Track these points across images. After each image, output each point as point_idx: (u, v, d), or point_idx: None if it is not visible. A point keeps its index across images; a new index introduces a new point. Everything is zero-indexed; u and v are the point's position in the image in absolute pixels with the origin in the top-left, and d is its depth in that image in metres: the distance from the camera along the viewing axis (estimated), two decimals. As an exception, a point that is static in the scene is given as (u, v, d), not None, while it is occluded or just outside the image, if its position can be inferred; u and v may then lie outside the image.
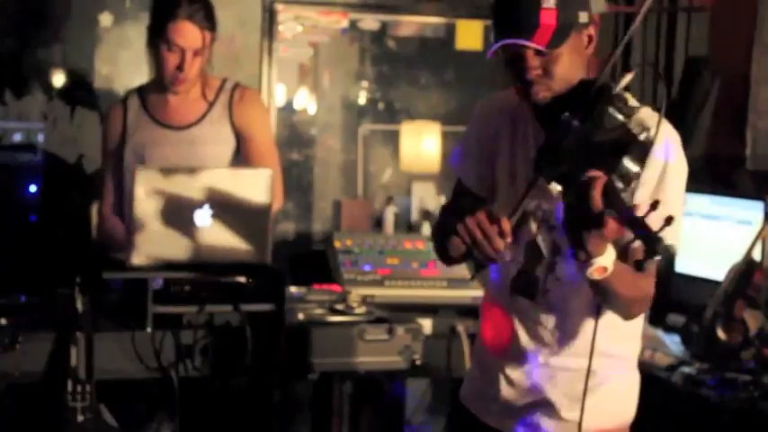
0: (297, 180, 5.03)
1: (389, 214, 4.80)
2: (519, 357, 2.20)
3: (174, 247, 2.76)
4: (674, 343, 3.50)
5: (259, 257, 2.84)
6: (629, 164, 1.86)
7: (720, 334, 3.26)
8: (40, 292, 3.01)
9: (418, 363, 3.21)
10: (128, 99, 3.27)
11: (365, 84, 5.16)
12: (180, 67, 3.08)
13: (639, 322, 2.20)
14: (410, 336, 3.20)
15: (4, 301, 2.95)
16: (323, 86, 5.12)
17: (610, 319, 2.11)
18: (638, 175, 1.87)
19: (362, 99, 5.16)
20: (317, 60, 5.10)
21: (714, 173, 4.27)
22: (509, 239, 1.96)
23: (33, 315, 2.88)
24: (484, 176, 2.25)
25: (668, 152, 2.05)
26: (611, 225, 1.76)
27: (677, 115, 4.45)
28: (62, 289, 2.85)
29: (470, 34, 5.07)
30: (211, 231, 2.78)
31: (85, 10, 4.45)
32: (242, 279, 2.86)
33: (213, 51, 3.19)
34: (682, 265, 3.94)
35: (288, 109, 5.02)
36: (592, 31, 2.13)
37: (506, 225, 1.95)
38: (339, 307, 3.27)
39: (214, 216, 2.78)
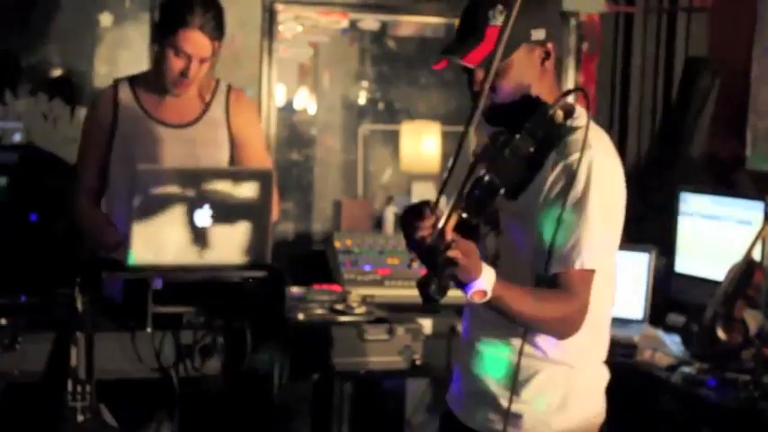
0: (297, 180, 5.03)
1: (389, 214, 4.79)
2: (470, 350, 2.28)
3: (174, 247, 2.76)
4: (674, 343, 3.51)
5: (259, 257, 2.84)
6: (485, 177, 1.91)
7: (720, 334, 3.26)
8: (40, 292, 3.01)
9: (418, 363, 3.21)
10: (118, 88, 3.20)
11: (365, 84, 5.16)
12: (184, 73, 3.06)
13: (593, 322, 2.18)
14: (410, 336, 3.20)
15: (4, 301, 2.95)
16: (323, 86, 5.12)
17: None
18: (492, 191, 1.92)
19: (362, 99, 5.16)
20: (317, 60, 5.10)
21: (714, 173, 4.27)
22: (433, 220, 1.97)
23: (33, 315, 2.88)
24: None
25: (590, 177, 2.06)
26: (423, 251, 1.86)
27: (677, 115, 4.46)
28: (62, 289, 2.85)
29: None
30: (211, 231, 2.78)
31: (85, 10, 4.45)
32: (242, 279, 2.86)
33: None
34: (682, 265, 3.94)
35: (288, 109, 5.01)
36: (548, 47, 2.14)
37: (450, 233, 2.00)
38: (339, 307, 3.27)
39: (214, 216, 2.78)
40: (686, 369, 3.25)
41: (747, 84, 4.15)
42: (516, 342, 2.14)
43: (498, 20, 2.07)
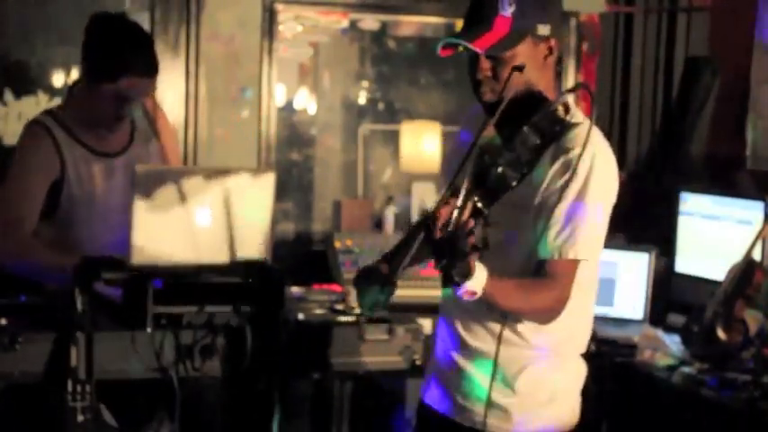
0: (297, 180, 5.03)
1: (389, 214, 4.80)
2: (450, 340, 2.32)
3: (174, 247, 2.76)
4: (674, 343, 3.50)
5: (259, 258, 2.84)
6: (500, 171, 1.98)
7: (720, 334, 3.26)
8: (40, 292, 3.01)
9: (418, 363, 3.21)
10: (49, 127, 3.05)
11: (365, 84, 5.16)
12: (123, 114, 3.03)
13: (569, 314, 2.21)
14: (410, 336, 3.21)
15: (4, 301, 2.95)
16: (323, 86, 5.13)
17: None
18: (506, 185, 1.99)
19: (362, 99, 5.17)
20: (317, 60, 5.10)
21: (714, 173, 4.27)
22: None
23: (33, 315, 2.88)
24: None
25: (591, 172, 2.13)
26: (441, 236, 1.89)
27: (677, 115, 4.46)
28: (62, 289, 2.85)
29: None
30: (211, 231, 2.78)
31: (85, 10, 4.45)
32: (242, 279, 2.85)
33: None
34: (682, 265, 3.94)
35: (288, 109, 5.02)
36: (552, 43, 2.20)
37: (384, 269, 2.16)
38: (339, 307, 3.27)
39: (214, 216, 2.78)
40: (686, 369, 3.25)
41: (747, 84, 4.15)
42: (497, 330, 2.19)
43: (508, 11, 2.13)
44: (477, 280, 1.97)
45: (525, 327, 2.21)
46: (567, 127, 2.11)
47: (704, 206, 3.87)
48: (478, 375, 2.26)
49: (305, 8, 4.81)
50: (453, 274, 1.90)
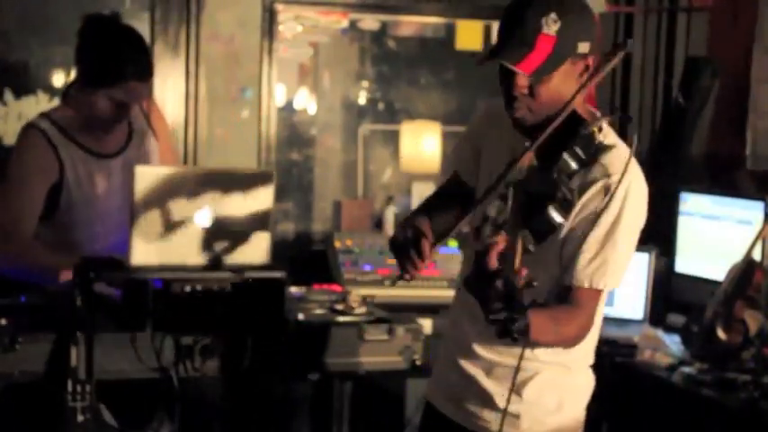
0: (297, 180, 5.03)
1: (389, 214, 4.80)
2: (464, 350, 2.29)
3: (174, 247, 2.76)
4: (674, 343, 3.50)
5: (259, 257, 2.84)
6: (552, 215, 1.92)
7: (720, 334, 3.26)
8: (40, 292, 3.01)
9: (418, 363, 3.21)
10: (45, 130, 3.04)
11: (365, 84, 5.16)
12: (119, 119, 3.03)
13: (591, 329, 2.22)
14: (410, 336, 3.20)
15: (4, 301, 2.95)
16: (323, 86, 5.13)
17: None
18: (556, 228, 1.92)
19: (362, 99, 5.17)
20: (317, 60, 5.10)
21: (714, 173, 4.27)
22: (427, 261, 2.04)
23: (33, 315, 2.88)
24: (471, 170, 2.36)
25: (626, 201, 2.09)
26: (498, 286, 1.77)
27: (677, 115, 4.46)
28: (62, 289, 2.85)
29: (470, 34, 5.08)
30: (211, 232, 2.78)
31: (85, 10, 4.45)
32: (242, 279, 2.85)
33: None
34: (682, 265, 3.94)
35: (288, 109, 5.02)
36: (590, 61, 2.13)
37: (426, 248, 2.05)
38: (339, 307, 3.27)
39: (214, 216, 2.78)
40: (686, 369, 3.25)
41: (747, 84, 4.15)
42: (516, 348, 2.12)
43: (552, 29, 2.04)
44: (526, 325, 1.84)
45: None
46: (601, 149, 2.05)
47: (704, 206, 3.87)
48: (488, 383, 2.26)
49: (305, 8, 4.81)
50: (513, 330, 1.75)
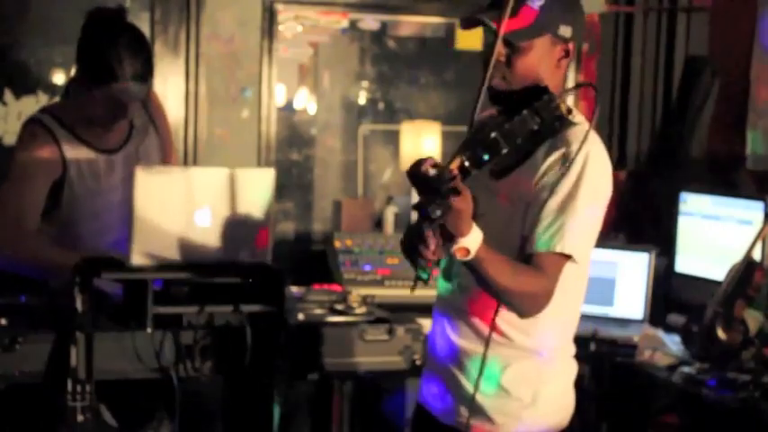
0: (297, 180, 5.03)
1: (389, 214, 4.80)
2: (441, 340, 2.32)
3: (174, 247, 2.76)
4: (674, 343, 3.50)
5: (259, 257, 2.84)
6: (493, 135, 2.05)
7: (720, 334, 3.26)
8: (40, 292, 3.01)
9: (418, 363, 3.21)
10: (48, 125, 3.03)
11: (365, 84, 5.17)
12: (118, 117, 3.02)
13: (558, 317, 2.23)
14: (410, 336, 3.20)
15: (4, 301, 2.95)
16: (323, 86, 5.13)
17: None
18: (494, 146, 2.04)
19: (362, 99, 5.17)
20: (317, 60, 5.11)
21: (714, 173, 4.27)
22: (433, 248, 2.03)
23: (33, 315, 2.88)
24: None
25: (584, 169, 2.14)
26: (425, 171, 1.90)
27: (677, 115, 4.46)
28: (62, 289, 2.85)
29: (470, 34, 5.04)
30: (211, 231, 2.78)
31: (85, 9, 4.45)
32: (242, 279, 2.85)
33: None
34: (682, 265, 3.94)
35: (288, 109, 5.02)
36: (570, 47, 2.22)
37: (433, 244, 2.04)
38: (339, 307, 3.27)
39: (214, 216, 2.78)
40: (686, 369, 3.25)
41: (747, 84, 4.15)
42: (485, 331, 2.19)
43: (535, 3, 2.15)
44: (473, 239, 1.99)
45: (511, 327, 2.21)
46: (566, 124, 2.14)
47: (704, 206, 3.88)
48: (462, 375, 2.27)
49: (305, 8, 4.81)
50: (430, 210, 1.89)
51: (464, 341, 2.27)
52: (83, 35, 3.01)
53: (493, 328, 2.17)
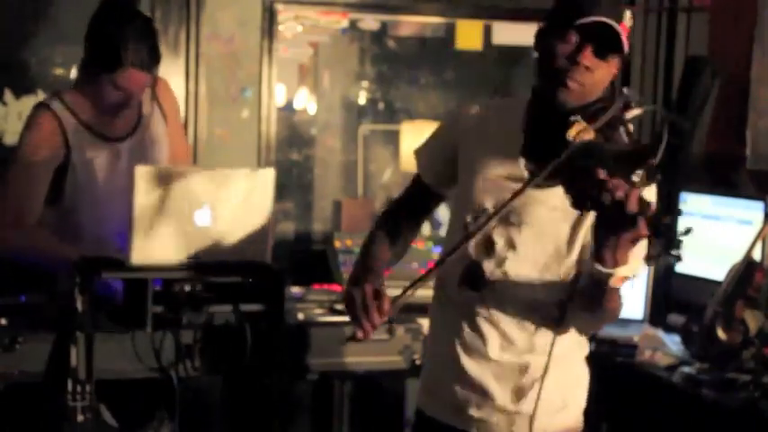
0: (297, 180, 5.03)
1: (389, 214, 4.79)
2: (468, 351, 2.26)
3: (174, 247, 2.76)
4: (674, 343, 3.50)
5: (259, 257, 2.84)
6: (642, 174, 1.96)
7: (720, 334, 3.26)
8: (40, 292, 3.01)
9: (418, 363, 3.21)
10: (56, 111, 3.05)
11: (365, 84, 5.16)
12: (124, 104, 3.02)
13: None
14: (410, 336, 3.21)
15: (4, 301, 2.95)
16: (323, 86, 5.13)
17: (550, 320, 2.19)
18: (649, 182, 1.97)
19: (362, 99, 5.17)
20: (317, 60, 5.10)
21: (714, 173, 4.27)
22: (385, 318, 2.08)
23: (33, 315, 2.88)
24: (441, 173, 2.37)
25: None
26: (643, 225, 1.84)
27: (677, 115, 4.45)
28: (62, 289, 2.85)
29: (470, 34, 5.07)
30: (211, 231, 2.78)
31: (86, 9, 4.45)
32: (242, 279, 2.85)
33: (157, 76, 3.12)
34: (682, 266, 3.94)
35: (288, 109, 5.02)
36: (619, 67, 2.17)
37: (386, 305, 2.09)
38: (339, 307, 3.27)
39: (214, 216, 2.78)
40: (686, 369, 3.25)
41: (747, 84, 4.15)
42: (523, 345, 2.19)
43: (628, 23, 2.11)
44: (631, 266, 1.96)
45: (539, 336, 2.21)
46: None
47: (704, 206, 3.87)
48: (495, 386, 2.24)
49: (305, 8, 4.81)
50: (656, 252, 1.84)
51: (501, 353, 2.23)
52: (92, 20, 3.02)
53: (553, 342, 2.16)
